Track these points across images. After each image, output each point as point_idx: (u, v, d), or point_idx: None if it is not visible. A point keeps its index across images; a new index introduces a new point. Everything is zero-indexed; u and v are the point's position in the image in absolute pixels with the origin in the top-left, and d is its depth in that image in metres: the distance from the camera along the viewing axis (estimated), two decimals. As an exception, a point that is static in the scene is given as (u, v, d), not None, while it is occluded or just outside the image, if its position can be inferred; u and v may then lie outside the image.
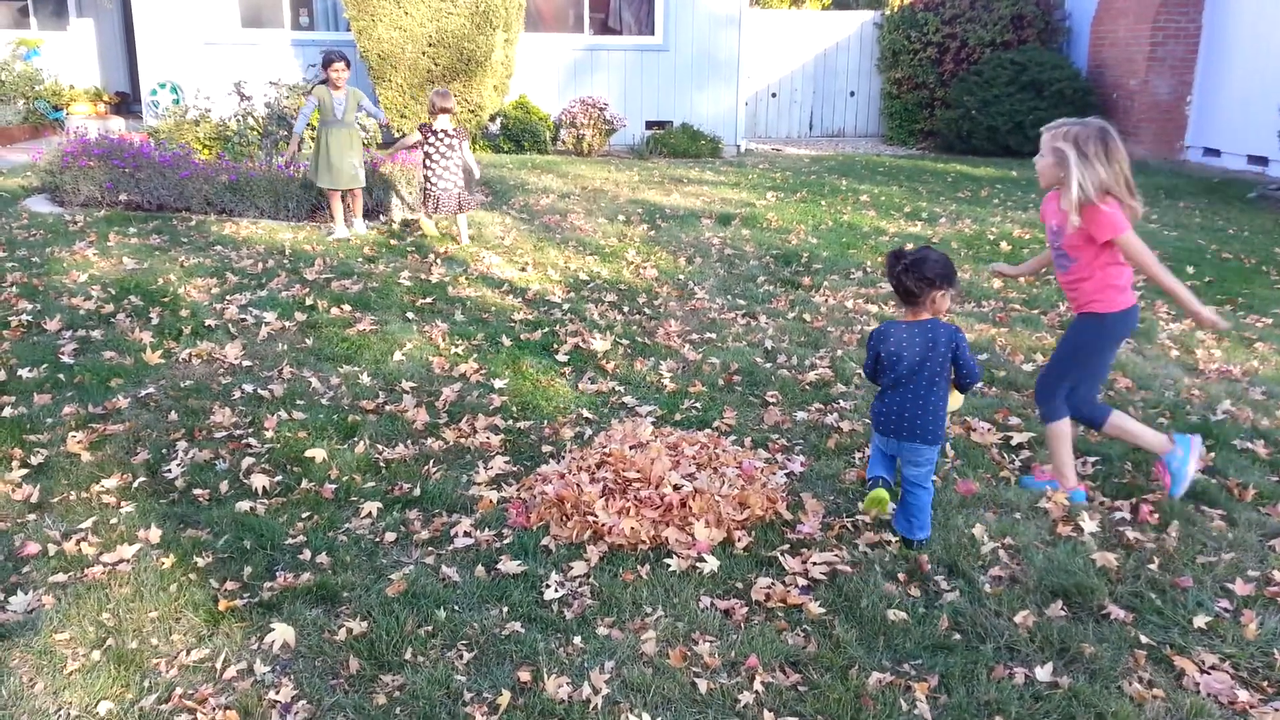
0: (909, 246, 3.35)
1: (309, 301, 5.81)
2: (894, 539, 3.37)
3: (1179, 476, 3.67)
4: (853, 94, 16.46)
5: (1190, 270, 7.16)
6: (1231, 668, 2.73)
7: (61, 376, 4.63)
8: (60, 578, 3.06)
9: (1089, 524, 3.48)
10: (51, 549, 3.21)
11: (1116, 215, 3.50)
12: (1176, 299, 3.54)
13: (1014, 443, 4.18)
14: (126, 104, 15.61)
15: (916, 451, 3.29)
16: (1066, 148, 3.45)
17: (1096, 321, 3.58)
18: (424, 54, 11.84)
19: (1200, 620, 2.92)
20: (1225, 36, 12.60)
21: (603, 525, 3.31)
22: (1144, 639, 2.85)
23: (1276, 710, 2.54)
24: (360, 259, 6.90)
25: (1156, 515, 3.56)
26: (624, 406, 4.55)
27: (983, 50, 14.56)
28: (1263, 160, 11.83)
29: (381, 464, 3.90)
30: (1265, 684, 2.67)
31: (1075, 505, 3.64)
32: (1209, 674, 2.69)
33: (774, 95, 16.39)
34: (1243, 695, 2.60)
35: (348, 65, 7.34)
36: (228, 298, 5.86)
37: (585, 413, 4.45)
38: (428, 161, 7.43)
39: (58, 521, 3.40)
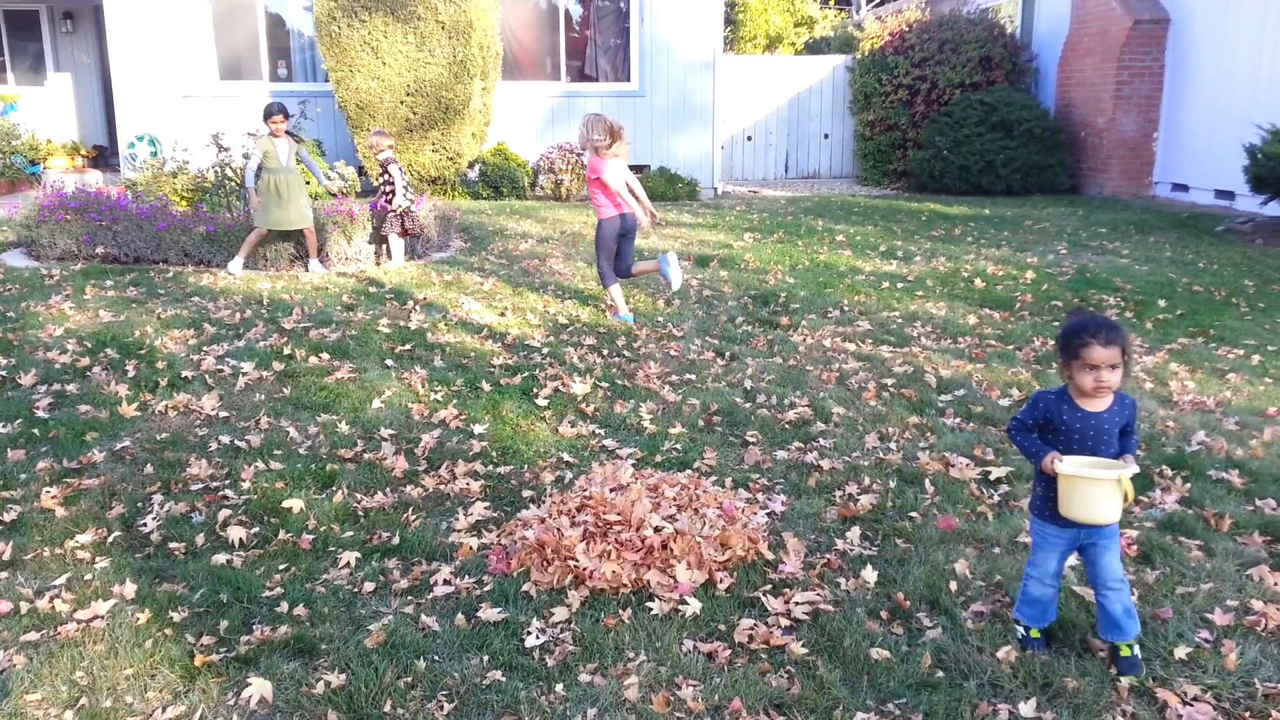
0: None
1: (287, 350, 5.80)
2: (873, 578, 3.36)
3: (668, 273, 6.76)
4: (826, 136, 16.70)
5: (1162, 303, 7.27)
6: (1214, 698, 2.73)
7: (36, 431, 4.59)
8: (32, 636, 3.01)
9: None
10: (24, 606, 3.16)
11: (596, 162, 6.47)
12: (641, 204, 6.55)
13: (992, 477, 4.20)
14: (104, 157, 15.66)
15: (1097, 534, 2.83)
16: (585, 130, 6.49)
17: (599, 223, 6.74)
18: (402, 103, 11.95)
19: (1181, 651, 2.92)
20: (1189, 74, 12.90)
21: (584, 569, 3.29)
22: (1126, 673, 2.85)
23: (1259, 741, 2.55)
24: (339, 307, 6.90)
25: (1135, 548, 3.58)
26: (604, 449, 4.54)
27: (953, 91, 14.83)
28: (1230, 195, 12.05)
29: (360, 513, 3.88)
30: (1247, 714, 2.67)
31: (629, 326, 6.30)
32: (1191, 705, 2.69)
33: (749, 138, 16.60)
34: (1225, 726, 2.60)
35: (286, 116, 8.01)
36: (205, 349, 5.84)
37: (565, 456, 4.44)
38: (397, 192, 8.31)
39: (30, 578, 3.35)
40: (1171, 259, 9.03)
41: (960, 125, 14.11)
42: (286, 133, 8.00)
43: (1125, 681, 2.77)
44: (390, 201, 8.27)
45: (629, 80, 14.10)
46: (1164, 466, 4.31)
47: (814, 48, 19.96)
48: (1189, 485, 4.12)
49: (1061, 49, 14.71)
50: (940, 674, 2.85)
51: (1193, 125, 12.84)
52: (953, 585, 3.31)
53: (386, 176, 8.28)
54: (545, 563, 3.38)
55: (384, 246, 8.46)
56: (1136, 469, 2.73)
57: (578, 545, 3.37)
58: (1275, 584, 3.32)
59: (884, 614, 3.16)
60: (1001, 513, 3.89)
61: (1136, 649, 2.84)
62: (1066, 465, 2.72)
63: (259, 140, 7.91)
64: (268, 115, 7.89)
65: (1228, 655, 2.89)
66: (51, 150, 14.70)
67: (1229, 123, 11.74)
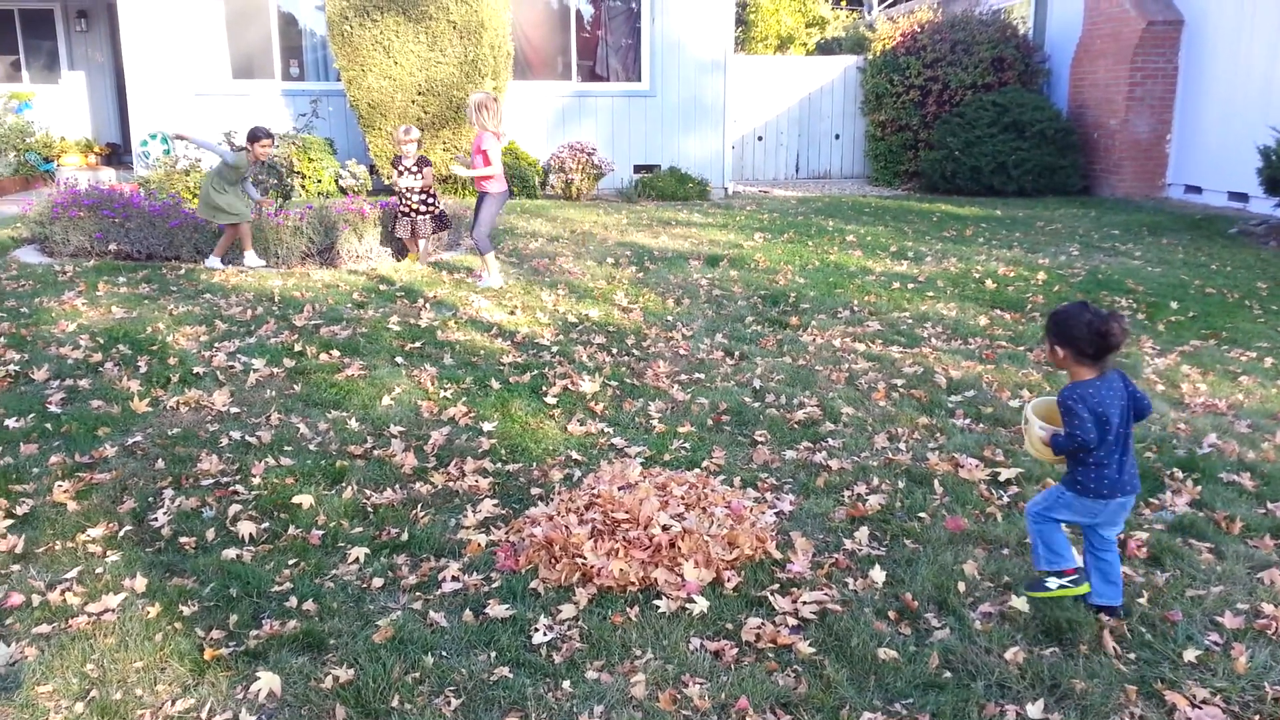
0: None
1: (297, 347, 5.82)
2: (881, 578, 3.36)
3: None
4: (838, 136, 16.67)
5: (1174, 305, 7.23)
6: (1223, 701, 2.72)
7: (48, 426, 4.62)
8: (44, 629, 3.03)
9: (1078, 559, 3.48)
10: (36, 600, 3.18)
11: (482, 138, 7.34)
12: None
13: (1002, 478, 4.19)
14: (117, 155, 15.74)
15: (1129, 506, 3.10)
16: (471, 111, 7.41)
17: (496, 195, 7.59)
18: (413, 102, 11.99)
19: (1190, 654, 2.91)
20: (1202, 76, 12.84)
21: (591, 567, 3.30)
22: (1135, 674, 2.84)
23: (1269, 744, 2.53)
24: (349, 305, 6.93)
25: (1145, 550, 3.57)
26: (613, 448, 4.55)
27: (964, 92, 14.79)
28: (1243, 197, 11.99)
29: (369, 509, 3.89)
30: (1256, 717, 2.66)
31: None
32: (1200, 708, 2.68)
33: (760, 138, 16.59)
34: (1235, 729, 2.59)
35: (272, 143, 8.09)
36: (216, 345, 5.86)
37: (574, 454, 4.45)
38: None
39: (42, 572, 3.38)
40: (1184, 261, 8.99)
41: (972, 126, 14.08)
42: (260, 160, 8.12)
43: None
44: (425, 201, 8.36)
45: (640, 80, 14.11)
46: (1175, 469, 4.29)
47: (825, 48, 19.94)
48: (1200, 488, 4.10)
49: (1074, 50, 14.66)
50: (948, 674, 2.85)
51: (1206, 127, 12.78)
52: (961, 586, 3.30)
53: (420, 174, 8.31)
54: (553, 560, 3.38)
55: (418, 243, 8.56)
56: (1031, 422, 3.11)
57: (585, 543, 3.37)
58: (1286, 587, 3.31)
59: (892, 614, 3.16)
60: (1011, 514, 3.88)
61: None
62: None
63: (239, 154, 7.91)
64: (255, 139, 7.83)
65: (1238, 658, 2.88)
66: (65, 148, 14.79)
67: (1243, 124, 11.68)
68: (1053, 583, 3.09)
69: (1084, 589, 3.09)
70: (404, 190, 8.29)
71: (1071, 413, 2.96)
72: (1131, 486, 3.05)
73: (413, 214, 8.33)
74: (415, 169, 8.25)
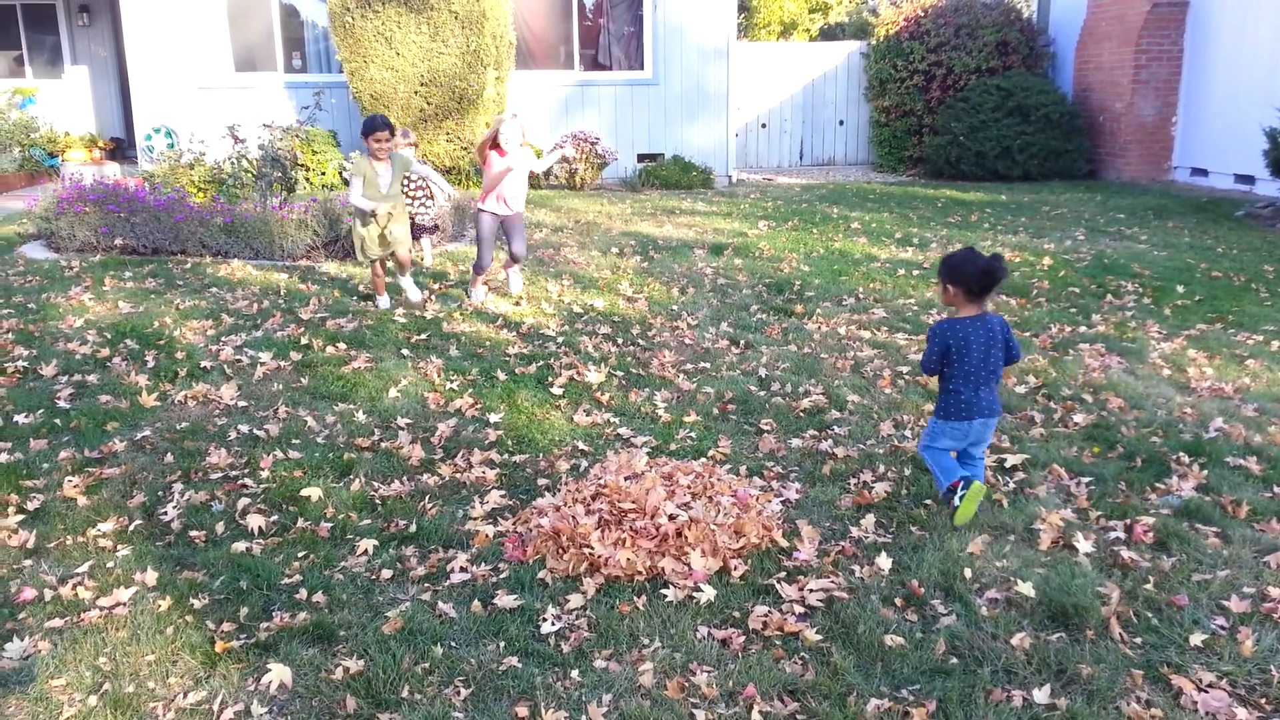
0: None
1: (304, 341, 5.84)
2: (888, 565, 3.37)
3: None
4: (842, 123, 16.61)
5: (1180, 289, 7.21)
6: (1229, 685, 2.73)
7: (58, 421, 4.64)
8: (57, 623, 3.06)
9: (1084, 544, 3.49)
10: (48, 594, 3.21)
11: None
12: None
13: (1008, 465, 4.19)
14: (121, 149, 15.76)
15: (992, 426, 3.71)
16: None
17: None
18: (416, 93, 11.97)
19: (1197, 638, 2.92)
20: (1207, 58, 12.77)
21: (599, 557, 3.31)
22: (1141, 658, 2.85)
23: (1275, 727, 2.54)
24: (355, 297, 6.94)
25: (1152, 535, 3.57)
26: (619, 438, 4.56)
27: (969, 77, 14.73)
28: (1250, 179, 11.94)
29: (377, 501, 3.91)
30: (1263, 701, 2.67)
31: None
32: (1206, 692, 2.68)
33: (764, 126, 16.54)
34: (1241, 713, 2.60)
35: (392, 133, 6.40)
36: (223, 339, 5.88)
37: (581, 445, 4.46)
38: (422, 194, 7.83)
39: (54, 566, 3.40)
40: (1190, 244, 8.96)
41: (976, 111, 14.02)
42: (394, 152, 6.69)
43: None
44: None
45: (643, 68, 14.07)
46: (1181, 453, 4.29)
47: (829, 34, 19.86)
48: (1206, 472, 4.10)
49: (1079, 33, 14.58)
50: (954, 660, 2.86)
51: (1212, 109, 12.72)
52: (967, 572, 3.31)
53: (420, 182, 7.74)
54: (560, 550, 3.40)
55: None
56: None
57: (593, 533, 3.39)
58: (1292, 571, 3.31)
59: (898, 601, 3.17)
60: (1017, 499, 3.89)
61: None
62: None
63: (356, 162, 6.57)
64: (369, 130, 6.31)
65: (1244, 642, 2.89)
66: (69, 143, 14.80)
67: (1249, 106, 11.62)
68: (956, 498, 3.60)
69: (976, 487, 3.59)
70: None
71: (929, 342, 3.70)
72: (991, 411, 3.66)
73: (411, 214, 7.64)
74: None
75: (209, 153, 10.15)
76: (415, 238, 7.73)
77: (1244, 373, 5.44)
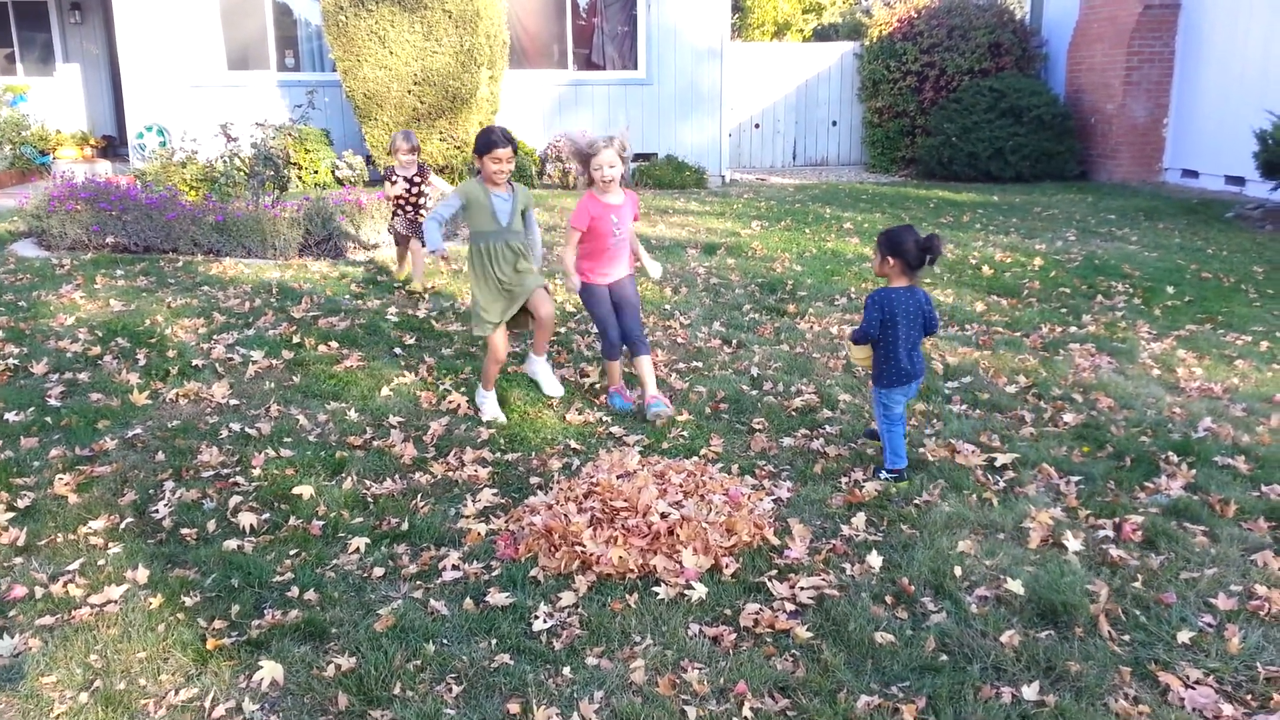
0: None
1: (296, 339, 5.83)
2: (878, 563, 3.39)
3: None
4: (835, 123, 16.64)
5: (1170, 290, 7.25)
6: (1215, 682, 2.75)
7: (48, 419, 4.63)
8: (47, 620, 3.06)
9: (1074, 543, 3.51)
10: (39, 591, 3.21)
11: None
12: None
13: (998, 464, 4.21)
14: (113, 147, 15.71)
15: (918, 385, 4.16)
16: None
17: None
18: (410, 92, 11.96)
19: (1184, 635, 2.94)
20: (1199, 60, 12.82)
21: (590, 555, 3.32)
22: (1129, 655, 2.87)
23: (1261, 723, 2.56)
24: (347, 296, 6.94)
25: (1140, 533, 3.59)
26: (611, 436, 4.57)
27: (961, 78, 14.77)
28: (1240, 180, 11.99)
29: (369, 499, 3.91)
30: (1249, 697, 2.69)
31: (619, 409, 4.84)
32: (1193, 689, 2.70)
33: (757, 126, 16.56)
34: (1227, 709, 2.61)
35: (515, 150, 4.82)
36: (215, 337, 5.87)
37: (573, 444, 4.47)
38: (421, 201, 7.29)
39: (45, 564, 3.40)
40: (1180, 245, 9.00)
41: (969, 112, 14.06)
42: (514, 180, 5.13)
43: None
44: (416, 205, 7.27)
45: (636, 68, 14.08)
46: (1170, 453, 4.32)
47: (822, 34, 19.89)
48: (1195, 471, 4.12)
49: (1071, 34, 14.63)
50: (944, 657, 2.88)
51: (1203, 111, 12.77)
52: (957, 570, 3.33)
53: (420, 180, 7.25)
54: (552, 548, 3.40)
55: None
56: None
57: (585, 531, 3.40)
58: (1279, 569, 3.33)
59: (888, 599, 3.19)
60: (1007, 498, 3.91)
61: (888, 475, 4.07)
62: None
63: (463, 186, 4.83)
64: (486, 148, 4.68)
65: (1230, 639, 2.91)
66: (61, 140, 14.75)
67: (1240, 108, 11.67)
68: (887, 477, 4.04)
69: (904, 484, 4.01)
70: (401, 195, 7.21)
71: (868, 309, 4.03)
72: (920, 371, 4.09)
73: (413, 209, 7.25)
74: (416, 179, 7.23)
75: (201, 151, 10.12)
76: (409, 237, 7.26)
77: (1233, 373, 5.47)
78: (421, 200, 7.32)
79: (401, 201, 7.30)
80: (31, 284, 7.06)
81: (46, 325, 6.04)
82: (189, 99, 12.87)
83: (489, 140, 4.68)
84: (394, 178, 7.24)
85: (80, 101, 15.96)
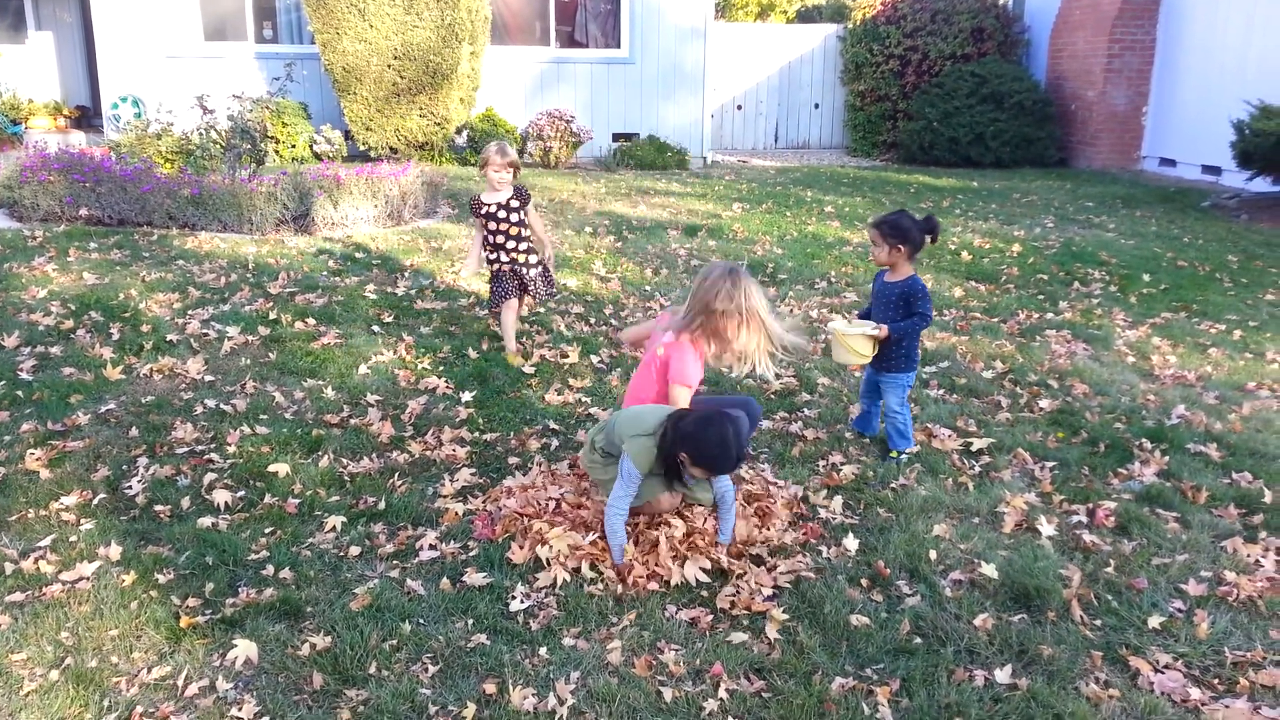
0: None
1: (272, 315, 5.78)
2: (854, 547, 3.41)
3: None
4: (817, 106, 16.62)
5: (1146, 278, 7.31)
6: (1184, 666, 2.79)
7: (20, 393, 4.57)
8: (18, 597, 3.02)
9: (1047, 528, 3.54)
10: (9, 568, 3.17)
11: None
12: None
13: (974, 449, 4.24)
14: (87, 118, 15.45)
15: None
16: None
17: None
18: (389, 67, 11.82)
19: (1155, 621, 2.98)
20: (1179, 49, 12.88)
21: (554, 550, 3.31)
22: (1100, 640, 2.90)
23: (1226, 707, 2.60)
24: (325, 272, 6.87)
25: (1113, 519, 3.63)
26: (590, 417, 4.56)
27: (944, 63, 14.77)
28: (1216, 170, 12.09)
29: (346, 478, 3.89)
30: (1216, 681, 2.73)
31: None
32: (1163, 673, 2.74)
33: (740, 107, 16.51)
34: (1195, 693, 2.65)
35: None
36: (190, 312, 5.81)
37: (552, 424, 4.45)
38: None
39: (15, 540, 3.36)
40: (1157, 233, 9.07)
41: (951, 97, 14.08)
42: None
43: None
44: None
45: (619, 47, 13.98)
46: (1144, 439, 4.36)
47: (806, 16, 19.82)
48: (1168, 458, 4.17)
49: (1053, 21, 14.66)
50: (918, 640, 2.90)
51: (1182, 100, 12.85)
52: (932, 554, 3.35)
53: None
54: (525, 533, 3.39)
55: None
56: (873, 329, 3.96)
57: (541, 523, 3.39)
58: (1248, 555, 3.38)
59: (864, 581, 3.21)
60: (982, 483, 3.94)
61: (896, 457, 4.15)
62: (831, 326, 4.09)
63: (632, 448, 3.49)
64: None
65: (1200, 625, 2.95)
66: (33, 110, 14.48)
67: (1218, 98, 11.75)
68: (903, 457, 4.11)
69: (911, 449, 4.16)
70: (502, 244, 5.29)
71: (928, 294, 4.02)
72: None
73: (518, 266, 5.33)
74: (516, 207, 5.28)
75: (177, 123, 9.97)
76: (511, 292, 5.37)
77: (1206, 361, 5.53)
78: (523, 232, 5.32)
79: (502, 239, 5.27)
80: (3, 256, 6.95)
81: (18, 298, 5.95)
82: (165, 70, 12.66)
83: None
84: (484, 206, 5.26)
85: (54, 70, 15.66)
